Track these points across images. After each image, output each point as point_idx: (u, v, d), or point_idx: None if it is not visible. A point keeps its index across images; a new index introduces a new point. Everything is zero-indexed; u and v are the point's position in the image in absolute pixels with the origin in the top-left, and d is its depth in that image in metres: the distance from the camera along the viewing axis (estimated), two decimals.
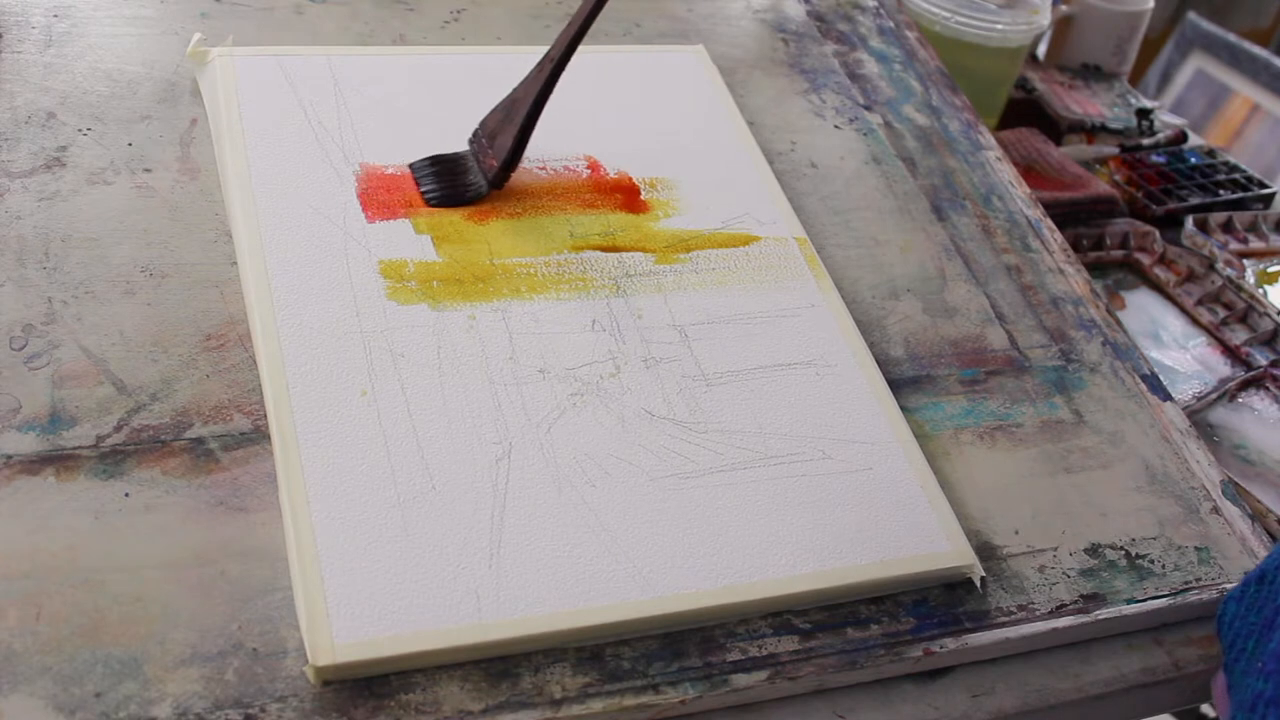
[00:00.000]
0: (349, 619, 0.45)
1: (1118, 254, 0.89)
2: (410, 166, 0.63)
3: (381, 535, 0.48)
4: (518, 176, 0.65)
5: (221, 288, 0.57)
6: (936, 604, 0.53)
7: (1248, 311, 0.84)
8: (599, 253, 0.62)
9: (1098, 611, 0.54)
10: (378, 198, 0.61)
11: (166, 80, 0.67)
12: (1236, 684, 0.48)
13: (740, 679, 0.48)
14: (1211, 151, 1.05)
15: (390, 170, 0.63)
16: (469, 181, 0.63)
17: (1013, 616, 0.53)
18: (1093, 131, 1.04)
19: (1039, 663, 0.54)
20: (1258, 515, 0.63)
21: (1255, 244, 0.93)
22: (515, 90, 0.63)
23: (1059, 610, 0.54)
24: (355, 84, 0.67)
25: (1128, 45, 1.12)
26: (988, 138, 0.80)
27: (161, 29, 0.70)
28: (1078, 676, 0.54)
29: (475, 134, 0.64)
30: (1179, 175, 0.99)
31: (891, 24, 0.87)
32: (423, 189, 0.62)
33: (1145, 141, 1.04)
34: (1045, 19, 0.98)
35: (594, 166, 0.67)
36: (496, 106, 0.64)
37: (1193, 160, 1.02)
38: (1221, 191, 0.98)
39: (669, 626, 0.49)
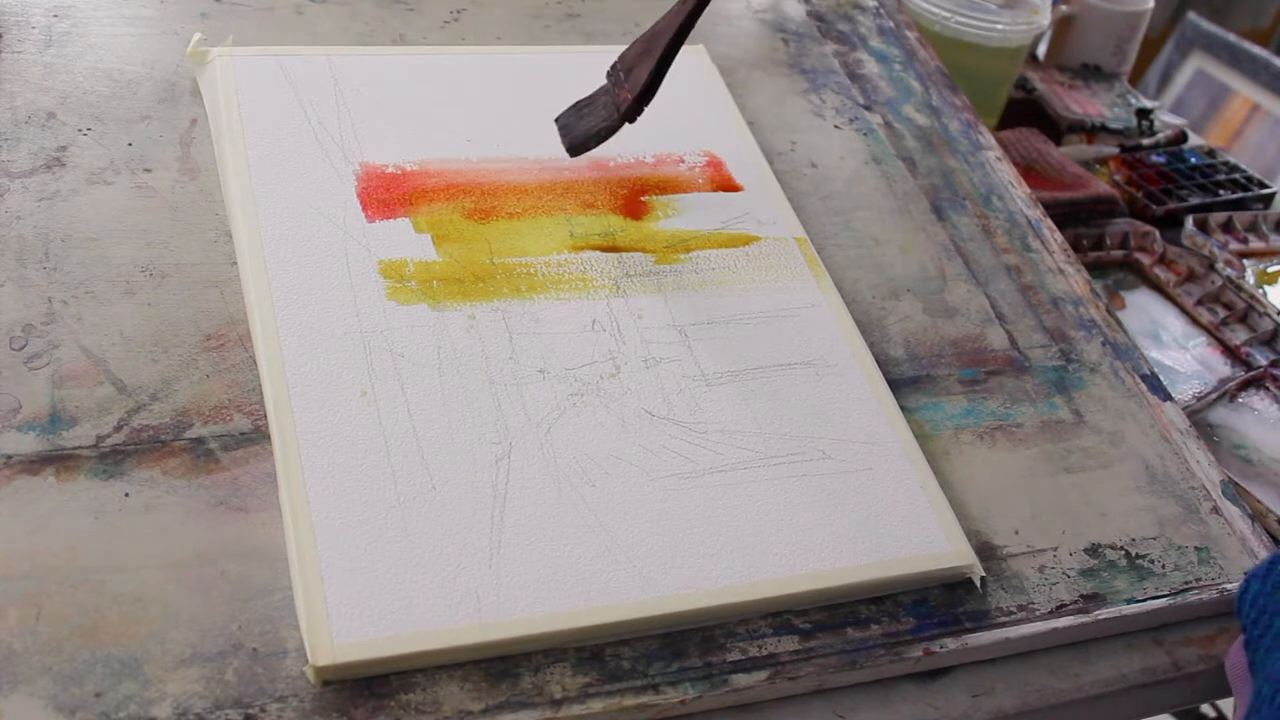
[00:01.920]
0: (349, 619, 0.45)
1: (1118, 254, 0.89)
2: (555, 121, 0.63)
3: (381, 535, 0.48)
4: (518, 175, 0.65)
5: (221, 288, 0.57)
6: (936, 604, 0.53)
7: (1248, 311, 0.84)
8: (599, 253, 0.62)
9: (1098, 611, 0.54)
10: (378, 197, 0.61)
11: (166, 80, 0.67)
12: (1261, 660, 0.48)
13: (740, 679, 0.48)
14: (1211, 151, 1.05)
15: (390, 169, 0.63)
16: (602, 116, 0.61)
17: (1013, 616, 0.53)
18: (1093, 131, 1.04)
19: (1039, 663, 0.54)
20: (1258, 515, 0.63)
21: (1255, 244, 0.93)
22: (656, 24, 0.61)
23: (1059, 610, 0.54)
24: (355, 84, 0.67)
25: (1128, 45, 1.12)
26: (988, 138, 0.80)
27: (161, 29, 0.70)
28: (1078, 676, 0.54)
29: (613, 68, 0.62)
30: (1179, 175, 0.99)
31: (891, 24, 0.87)
32: (562, 138, 0.62)
33: (1145, 141, 1.04)
34: (1045, 19, 0.98)
35: (593, 166, 0.67)
36: (637, 40, 0.62)
37: (1193, 160, 1.02)
38: (1221, 191, 0.98)
39: (669, 626, 0.49)
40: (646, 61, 0.60)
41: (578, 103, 0.63)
